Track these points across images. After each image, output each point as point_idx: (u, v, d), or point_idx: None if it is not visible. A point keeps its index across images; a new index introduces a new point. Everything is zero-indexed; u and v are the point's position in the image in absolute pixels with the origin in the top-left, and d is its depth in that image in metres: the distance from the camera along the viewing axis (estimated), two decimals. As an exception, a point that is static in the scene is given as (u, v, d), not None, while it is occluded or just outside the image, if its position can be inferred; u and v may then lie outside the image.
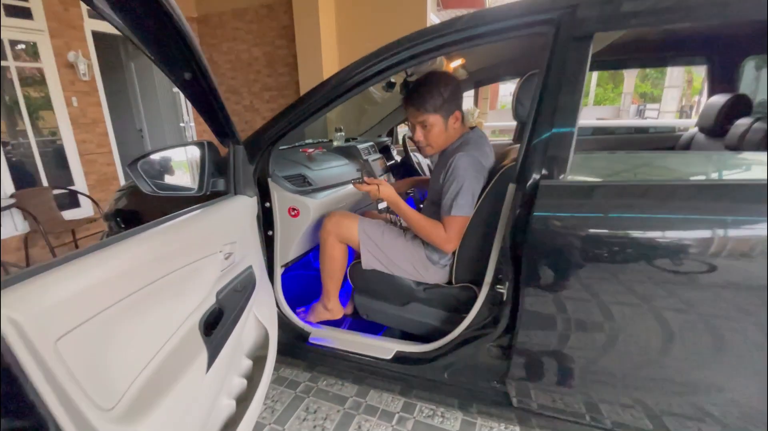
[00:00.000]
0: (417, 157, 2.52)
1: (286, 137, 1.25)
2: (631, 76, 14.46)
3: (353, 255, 1.44)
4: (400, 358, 1.25)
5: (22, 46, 3.46)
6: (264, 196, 1.32)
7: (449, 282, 1.31)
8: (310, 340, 1.37)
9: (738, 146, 1.46)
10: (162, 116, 4.94)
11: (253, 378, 1.05)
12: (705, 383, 0.88)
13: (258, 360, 1.11)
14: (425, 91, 1.18)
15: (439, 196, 1.24)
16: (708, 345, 0.84)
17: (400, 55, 1.07)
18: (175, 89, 3.86)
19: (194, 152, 1.11)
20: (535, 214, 0.88)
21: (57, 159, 3.75)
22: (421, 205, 1.68)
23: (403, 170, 2.48)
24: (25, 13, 3.36)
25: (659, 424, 0.95)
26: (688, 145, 1.80)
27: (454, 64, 1.85)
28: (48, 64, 3.55)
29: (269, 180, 1.31)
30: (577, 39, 0.88)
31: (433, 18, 4.33)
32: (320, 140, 2.43)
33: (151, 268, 0.66)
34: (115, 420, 0.54)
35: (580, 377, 0.98)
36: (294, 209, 1.36)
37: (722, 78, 1.84)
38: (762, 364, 0.79)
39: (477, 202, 1.18)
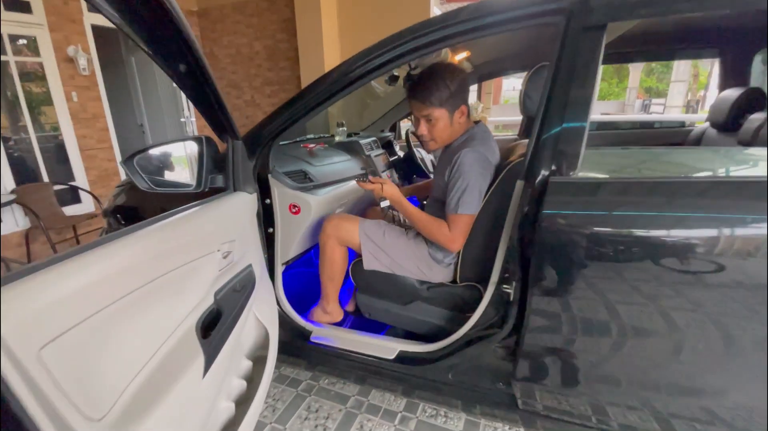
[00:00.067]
0: (420, 153, 2.48)
1: (287, 132, 1.22)
2: (636, 71, 14.31)
3: (355, 252, 1.41)
4: (403, 358, 1.23)
5: (22, 41, 3.43)
6: (264, 192, 1.29)
7: (454, 281, 1.28)
8: (312, 339, 1.35)
9: (751, 142, 1.42)
10: (163, 111, 4.91)
11: (253, 380, 1.03)
12: (717, 385, 0.85)
13: (258, 360, 1.08)
14: (431, 84, 1.14)
15: (443, 193, 1.21)
16: (725, 348, 0.81)
17: (404, 47, 1.04)
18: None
19: (192, 148, 1.08)
20: (544, 211, 0.85)
21: (57, 154, 3.73)
22: (425, 202, 1.65)
23: (407, 166, 2.44)
24: (24, 7, 3.33)
25: (667, 427, 0.93)
26: (698, 141, 1.76)
27: (459, 57, 1.81)
28: (48, 58, 3.53)
29: (269, 176, 1.28)
30: (589, 29, 0.84)
31: (437, 11, 4.27)
32: (322, 135, 2.40)
33: (144, 269, 0.64)
34: None
35: (589, 379, 0.96)
36: (295, 206, 1.34)
37: (735, 71, 1.79)
38: None
39: (483, 200, 1.14)
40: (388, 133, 2.61)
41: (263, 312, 1.13)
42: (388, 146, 2.46)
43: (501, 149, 1.27)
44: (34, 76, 3.54)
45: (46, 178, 3.59)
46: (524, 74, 1.31)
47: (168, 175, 1.09)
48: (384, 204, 1.27)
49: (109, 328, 0.55)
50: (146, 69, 4.73)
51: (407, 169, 2.45)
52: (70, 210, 3.68)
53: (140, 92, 4.91)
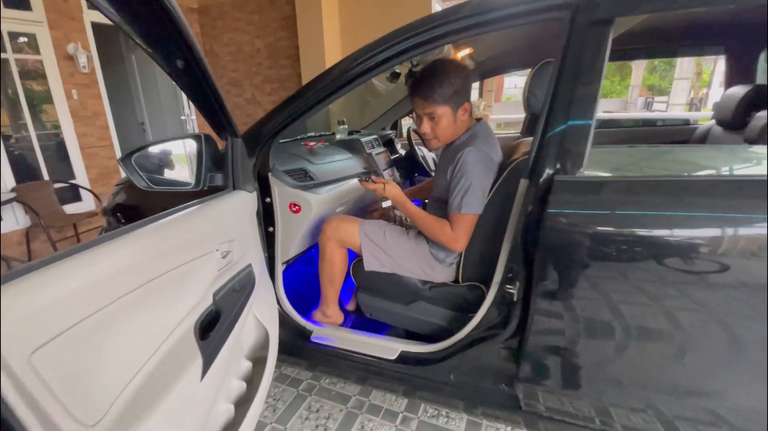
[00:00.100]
0: (422, 151, 2.46)
1: (287, 130, 1.21)
2: (638, 68, 14.23)
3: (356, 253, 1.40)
4: (404, 359, 1.22)
5: (22, 39, 3.42)
6: (264, 191, 1.28)
7: (456, 281, 1.27)
8: (312, 339, 1.34)
9: (758, 140, 1.40)
10: (164, 109, 4.89)
11: (253, 381, 1.01)
12: (725, 388, 0.83)
13: (258, 361, 1.07)
14: (434, 81, 1.12)
15: (445, 193, 1.19)
16: (738, 350, 0.79)
17: (405, 44, 1.02)
18: (176, 81, 3.82)
19: (191, 145, 1.06)
20: (549, 210, 0.83)
21: (58, 152, 3.72)
22: (426, 201, 1.63)
23: (408, 164, 2.42)
24: (23, 4, 3.31)
25: (672, 429, 0.91)
26: (703, 138, 1.73)
27: (462, 54, 1.79)
28: (47, 56, 3.51)
29: (269, 174, 1.27)
30: (596, 24, 0.82)
31: (438, 8, 4.24)
32: (322, 133, 2.38)
33: (140, 271, 0.62)
34: None
35: (595, 381, 0.95)
36: (295, 205, 1.32)
37: (741, 68, 1.76)
38: None
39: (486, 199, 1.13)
40: (390, 131, 2.59)
41: (263, 312, 1.11)
42: (389, 144, 2.44)
43: (503, 147, 1.26)
44: (34, 74, 3.53)
45: (46, 176, 3.58)
46: (527, 72, 1.29)
47: (166, 174, 1.08)
48: (386, 204, 1.27)
49: (103, 331, 0.53)
50: (147, 66, 4.71)
51: (409, 168, 2.43)
52: (70, 208, 3.67)
53: (141, 90, 4.89)
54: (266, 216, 1.31)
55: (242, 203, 1.09)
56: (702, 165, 1.06)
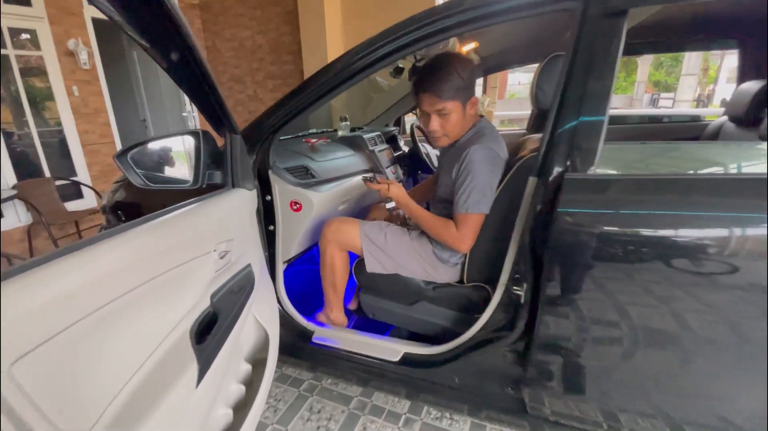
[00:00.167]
0: (425, 148, 2.42)
1: (288, 126, 1.18)
2: (644, 64, 14.06)
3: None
4: (408, 360, 1.19)
5: (24, 35, 3.40)
6: (264, 189, 1.25)
7: (460, 281, 1.24)
8: (314, 340, 1.32)
9: None
10: (165, 105, 4.88)
11: (252, 383, 0.99)
12: (738, 393, 0.80)
13: (258, 363, 1.05)
14: (443, 75, 1.08)
15: (449, 192, 1.16)
16: (756, 355, 0.76)
17: (409, 37, 0.98)
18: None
19: (189, 142, 1.03)
20: (559, 209, 0.80)
21: (59, 149, 3.71)
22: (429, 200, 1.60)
23: (411, 161, 2.39)
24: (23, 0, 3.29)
25: None
26: (715, 135, 1.69)
27: (467, 48, 1.75)
28: (48, 52, 3.49)
29: (270, 172, 1.24)
30: (609, 15, 0.79)
31: (441, 0, 4.18)
32: (324, 130, 2.35)
33: (133, 272, 0.59)
34: None
35: (604, 385, 0.92)
36: (296, 203, 1.30)
37: (755, 63, 1.71)
38: None
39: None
40: (393, 128, 2.55)
41: (263, 313, 1.09)
42: (392, 141, 2.41)
43: (508, 144, 1.22)
44: (35, 70, 3.51)
45: (47, 174, 3.57)
46: (532, 68, 1.25)
47: (164, 171, 1.05)
48: (390, 205, 1.24)
49: (91, 339, 0.51)
50: (148, 63, 4.69)
51: (412, 165, 2.39)
52: (72, 205, 3.66)
53: (142, 86, 4.87)
54: (266, 215, 1.28)
55: (242, 201, 1.06)
56: (720, 162, 1.02)
